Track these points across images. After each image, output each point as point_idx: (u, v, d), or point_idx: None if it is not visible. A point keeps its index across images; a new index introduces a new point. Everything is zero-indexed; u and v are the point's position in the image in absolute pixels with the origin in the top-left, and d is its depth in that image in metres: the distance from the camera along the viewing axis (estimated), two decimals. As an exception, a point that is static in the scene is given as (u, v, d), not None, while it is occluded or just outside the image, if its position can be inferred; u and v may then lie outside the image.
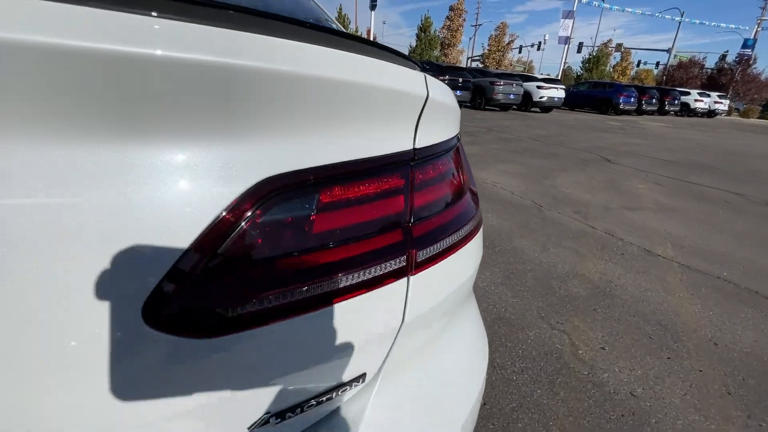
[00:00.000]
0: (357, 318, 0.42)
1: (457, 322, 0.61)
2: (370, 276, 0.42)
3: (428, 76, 0.48)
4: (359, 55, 0.41)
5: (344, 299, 0.40)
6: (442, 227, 0.49)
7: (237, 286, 0.35)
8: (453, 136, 0.55)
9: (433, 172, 0.48)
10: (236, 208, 0.34)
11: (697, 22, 46.44)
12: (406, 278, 0.45)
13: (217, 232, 0.33)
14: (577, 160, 6.09)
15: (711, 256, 2.79)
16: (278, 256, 0.37)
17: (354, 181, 0.41)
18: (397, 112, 0.45)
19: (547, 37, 51.09)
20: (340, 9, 34.27)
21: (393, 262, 0.43)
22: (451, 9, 34.41)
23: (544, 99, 15.77)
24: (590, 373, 1.55)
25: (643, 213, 3.68)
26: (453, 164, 0.54)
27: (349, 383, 0.44)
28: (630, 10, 43.64)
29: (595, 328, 1.86)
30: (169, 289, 0.32)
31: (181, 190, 0.32)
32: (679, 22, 40.08)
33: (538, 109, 16.66)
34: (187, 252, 0.32)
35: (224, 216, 0.34)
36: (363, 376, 0.45)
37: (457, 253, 0.51)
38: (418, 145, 0.46)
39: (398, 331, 0.46)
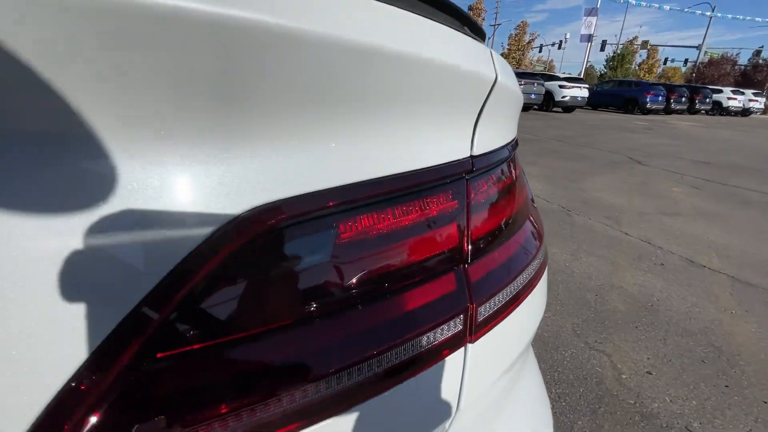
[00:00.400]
0: (389, 417, 0.29)
1: (516, 389, 0.47)
2: (413, 353, 0.28)
3: (493, 51, 0.35)
4: (403, 11, 0.27)
5: (373, 395, 0.27)
6: (504, 268, 0.35)
7: (197, 398, 0.22)
8: (513, 138, 0.42)
9: (492, 189, 0.36)
10: (203, 259, 0.22)
11: (730, 16, 44.44)
12: (462, 349, 0.32)
13: (166, 301, 0.21)
14: (605, 162, 5.81)
15: (762, 268, 2.54)
16: (269, 341, 0.24)
17: (388, 207, 0.28)
18: (455, 103, 0.31)
19: (568, 36, 49.92)
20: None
21: (445, 327, 0.30)
22: (470, 9, 34.02)
23: (566, 98, 15.30)
24: (637, 402, 1.39)
25: (681, 219, 3.43)
26: (513, 178, 0.41)
27: None
28: (657, 5, 42.13)
29: (638, 348, 1.68)
30: (72, 410, 0.19)
31: (118, 240, 0.20)
32: (710, 17, 38.42)
33: (560, 109, 16.18)
34: (106, 344, 0.20)
35: (182, 272, 0.21)
36: None
37: (524, 302, 0.37)
38: (476, 152, 0.33)
39: (450, 424, 0.33)
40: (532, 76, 14.76)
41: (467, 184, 0.33)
